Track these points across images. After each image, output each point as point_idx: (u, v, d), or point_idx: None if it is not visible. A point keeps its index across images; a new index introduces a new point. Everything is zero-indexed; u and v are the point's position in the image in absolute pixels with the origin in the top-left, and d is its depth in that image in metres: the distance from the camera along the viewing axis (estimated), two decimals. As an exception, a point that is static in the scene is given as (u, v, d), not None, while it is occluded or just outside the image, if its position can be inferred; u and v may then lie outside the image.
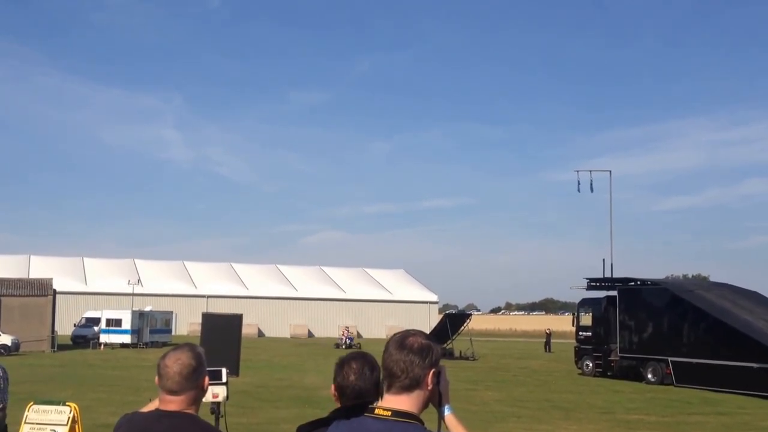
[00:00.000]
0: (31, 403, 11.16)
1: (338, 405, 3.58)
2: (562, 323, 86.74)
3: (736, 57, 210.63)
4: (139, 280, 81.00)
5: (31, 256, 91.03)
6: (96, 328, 60.21)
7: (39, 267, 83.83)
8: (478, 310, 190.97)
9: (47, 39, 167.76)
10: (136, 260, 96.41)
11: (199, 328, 11.27)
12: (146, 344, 59.33)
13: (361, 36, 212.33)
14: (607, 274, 43.89)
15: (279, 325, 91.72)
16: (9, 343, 47.41)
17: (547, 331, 70.59)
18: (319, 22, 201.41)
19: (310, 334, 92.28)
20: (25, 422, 10.85)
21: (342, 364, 3.71)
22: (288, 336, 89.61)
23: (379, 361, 3.18)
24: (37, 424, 10.82)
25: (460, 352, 51.88)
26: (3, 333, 48.42)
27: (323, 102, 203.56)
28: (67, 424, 10.76)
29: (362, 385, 3.58)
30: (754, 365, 30.69)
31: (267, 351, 54.52)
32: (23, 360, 41.00)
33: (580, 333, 40.93)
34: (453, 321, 55.23)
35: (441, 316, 66.38)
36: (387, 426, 2.88)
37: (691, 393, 31.46)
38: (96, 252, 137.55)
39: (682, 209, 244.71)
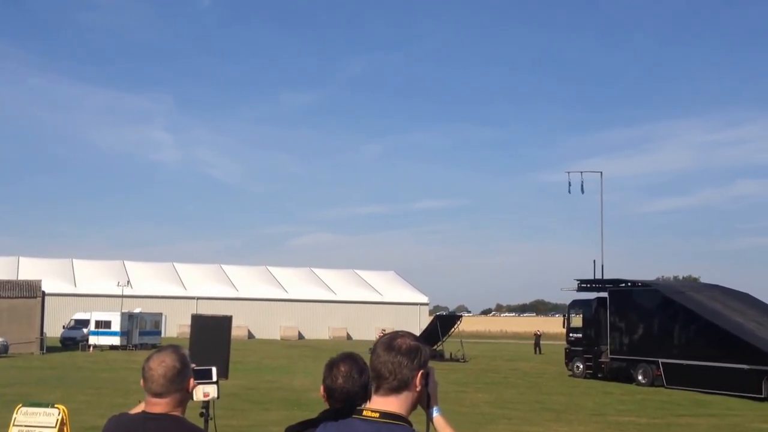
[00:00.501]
0: (20, 405, 11.11)
1: (327, 406, 3.57)
2: (553, 325, 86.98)
3: (728, 58, 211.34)
4: (128, 282, 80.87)
5: (20, 258, 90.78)
6: (85, 330, 60.03)
7: (28, 268, 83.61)
8: (469, 312, 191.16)
9: (37, 40, 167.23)
10: (125, 262, 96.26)
11: (188, 329, 11.22)
12: (135, 346, 59.15)
13: (352, 37, 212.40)
14: (598, 276, 43.97)
15: (269, 327, 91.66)
16: (-3, 345, 47.23)
17: (537, 333, 70.66)
18: (311, 23, 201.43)
19: (300, 336, 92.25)
20: (13, 424, 10.80)
21: (331, 367, 3.70)
22: (278, 338, 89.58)
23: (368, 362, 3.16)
24: (25, 426, 10.77)
25: (451, 354, 51.88)
26: (-8, 335, 48.23)
27: (315, 103, 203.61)
28: (55, 427, 10.71)
29: (350, 388, 3.57)
30: (745, 367, 30.76)
31: (257, 353, 54.47)
32: (12, 362, 40.86)
33: (571, 334, 40.96)
34: (443, 323, 55.22)
35: (431, 317, 66.37)
36: (375, 427, 2.87)
37: (681, 395, 31.52)
38: (85, 253, 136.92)
39: (673, 210, 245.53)
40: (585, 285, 41.49)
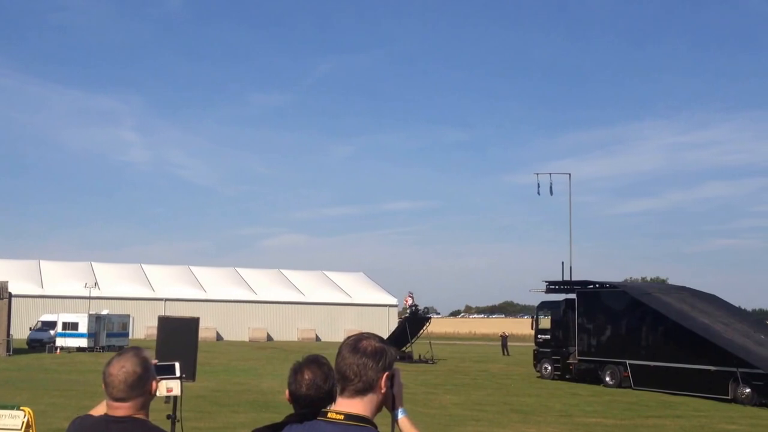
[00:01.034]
0: (-16, 407, 10.97)
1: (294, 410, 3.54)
2: (522, 326, 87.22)
3: (697, 60, 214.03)
4: (96, 284, 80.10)
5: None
6: (52, 332, 59.46)
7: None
8: (438, 313, 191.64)
9: (5, 40, 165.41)
10: (93, 263, 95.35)
11: (156, 331, 11.13)
12: (103, 348, 58.69)
13: (322, 38, 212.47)
14: (567, 277, 44.22)
15: (238, 329, 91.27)
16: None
17: (503, 335, 70.60)
18: (280, 25, 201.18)
19: (269, 338, 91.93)
20: (-23, 427, 10.66)
21: (296, 372, 3.66)
22: (247, 339, 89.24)
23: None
24: (-11, 428, 10.64)
25: (420, 356, 51.91)
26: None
27: (284, 104, 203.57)
28: (21, 429, 10.58)
29: (315, 396, 3.53)
30: (712, 368, 31.06)
31: (225, 355, 54.23)
32: (-23, 364, 40.36)
33: (539, 336, 41.13)
34: (412, 324, 55.24)
35: (400, 319, 66.38)
36: (340, 429, 2.88)
37: (649, 396, 31.76)
38: (53, 255, 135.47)
39: (641, 212, 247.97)
40: (553, 286, 41.66)
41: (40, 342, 58.84)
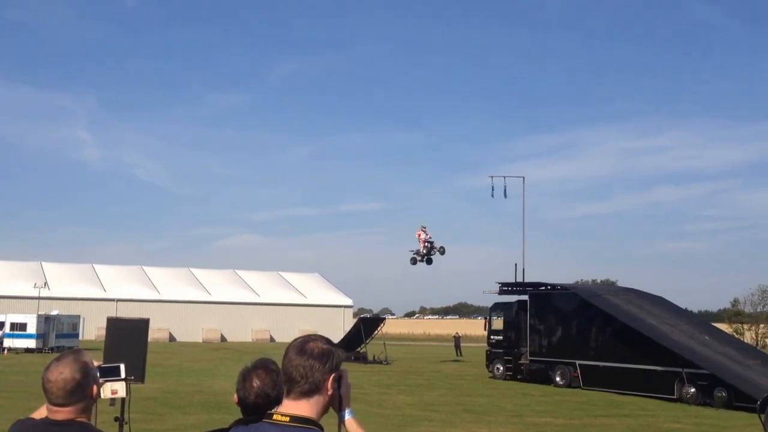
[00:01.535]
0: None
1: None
2: (475, 327, 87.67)
3: (649, 67, 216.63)
4: (45, 284, 78.97)
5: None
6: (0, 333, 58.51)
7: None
8: (393, 314, 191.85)
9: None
10: (43, 263, 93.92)
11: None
12: (52, 349, 57.72)
13: (280, 39, 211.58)
14: (519, 279, 44.57)
15: (191, 330, 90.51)
16: None
17: (456, 335, 70.81)
18: (239, 24, 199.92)
19: (223, 339, 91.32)
20: None
21: (245, 379, 3.63)
22: (200, 340, 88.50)
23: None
24: (-67, 432, 10.47)
25: (374, 356, 51.98)
26: None
27: (242, 104, 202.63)
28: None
29: (263, 404, 3.52)
30: (659, 368, 31.55)
31: (177, 356, 53.78)
32: None
33: (492, 337, 41.42)
34: (367, 325, 55.31)
35: (355, 320, 66.41)
36: (284, 431, 2.89)
37: (597, 396, 32.14)
38: (1, 254, 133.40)
39: (592, 215, 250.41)
40: (506, 288, 42.00)
41: (-14, 342, 57.88)
